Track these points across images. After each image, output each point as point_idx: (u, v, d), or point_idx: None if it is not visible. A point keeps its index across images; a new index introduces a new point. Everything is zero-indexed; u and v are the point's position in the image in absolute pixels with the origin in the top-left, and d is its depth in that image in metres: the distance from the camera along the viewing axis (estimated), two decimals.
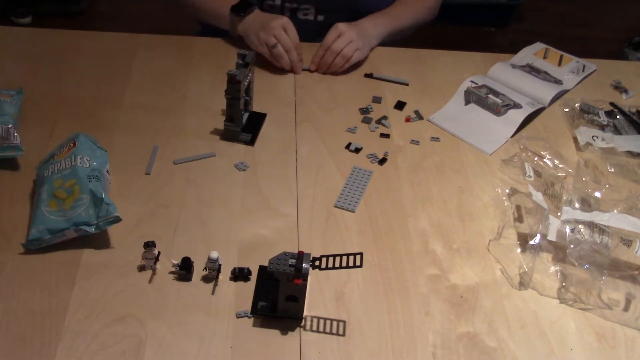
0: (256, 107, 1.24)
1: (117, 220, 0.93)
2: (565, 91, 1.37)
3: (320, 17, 1.44)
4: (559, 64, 1.44)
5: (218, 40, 1.40)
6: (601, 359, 0.89)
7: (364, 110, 1.26)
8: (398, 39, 1.45)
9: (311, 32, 1.43)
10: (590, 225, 0.99)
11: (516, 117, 1.25)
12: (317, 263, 0.84)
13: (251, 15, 1.32)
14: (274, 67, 1.34)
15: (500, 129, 1.24)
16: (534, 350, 0.89)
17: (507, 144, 1.22)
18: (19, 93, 1.17)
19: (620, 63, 1.55)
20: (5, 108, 1.11)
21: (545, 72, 1.40)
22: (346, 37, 1.32)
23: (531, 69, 1.40)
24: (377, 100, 1.29)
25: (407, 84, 1.34)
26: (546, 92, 1.33)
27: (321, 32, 1.41)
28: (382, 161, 1.16)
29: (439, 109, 1.29)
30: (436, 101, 1.31)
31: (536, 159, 1.17)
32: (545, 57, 1.45)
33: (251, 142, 1.16)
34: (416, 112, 1.27)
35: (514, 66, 1.40)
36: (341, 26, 1.33)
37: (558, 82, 1.38)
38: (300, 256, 0.82)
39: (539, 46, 1.49)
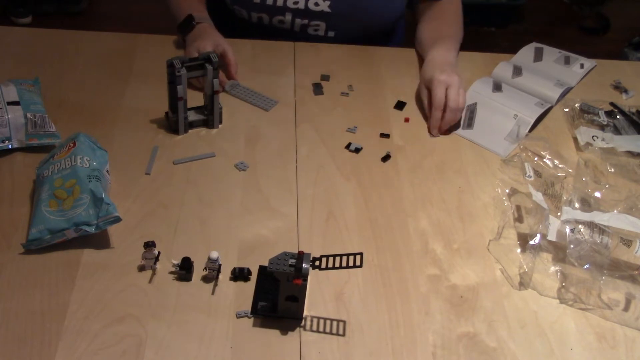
0: None
1: (117, 220, 0.93)
2: (570, 88, 1.37)
3: (331, 34, 1.42)
4: (560, 62, 1.43)
5: None
6: (601, 359, 0.89)
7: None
8: None
9: None
10: (590, 225, 0.99)
11: (527, 119, 1.24)
12: (317, 263, 0.84)
13: (192, 32, 1.29)
14: (273, 68, 1.34)
15: (512, 131, 1.23)
16: (534, 350, 0.89)
17: None
18: (36, 82, 1.18)
19: (620, 63, 1.55)
20: (34, 97, 1.12)
21: (547, 72, 1.40)
22: (455, 86, 1.21)
23: (533, 68, 1.40)
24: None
25: None
26: (552, 90, 1.33)
27: None
28: (386, 158, 1.16)
29: None
30: None
31: (536, 159, 1.17)
32: (545, 57, 1.45)
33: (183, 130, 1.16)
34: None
35: (516, 66, 1.39)
36: (441, 77, 1.21)
37: (561, 80, 1.37)
38: (300, 256, 0.82)
39: (538, 46, 1.48)
